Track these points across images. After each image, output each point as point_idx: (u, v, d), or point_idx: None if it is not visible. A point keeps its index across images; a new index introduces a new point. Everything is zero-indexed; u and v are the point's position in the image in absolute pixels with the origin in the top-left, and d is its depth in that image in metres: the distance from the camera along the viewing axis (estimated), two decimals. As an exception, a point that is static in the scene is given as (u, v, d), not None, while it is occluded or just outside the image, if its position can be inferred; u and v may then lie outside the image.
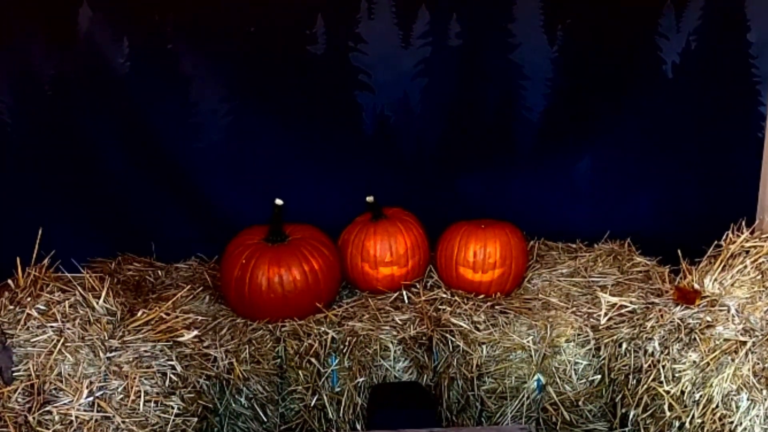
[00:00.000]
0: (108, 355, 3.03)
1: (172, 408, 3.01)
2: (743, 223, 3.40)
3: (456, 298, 3.76)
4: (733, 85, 4.07)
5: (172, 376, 3.13)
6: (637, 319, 3.43)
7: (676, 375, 3.03)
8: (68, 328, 3.03)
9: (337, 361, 3.51)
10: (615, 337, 3.45)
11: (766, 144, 3.45)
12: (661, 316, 3.29)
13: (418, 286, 3.86)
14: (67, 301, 3.16)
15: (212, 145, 4.18)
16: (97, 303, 3.22)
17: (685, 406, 2.95)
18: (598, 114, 4.23)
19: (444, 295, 3.79)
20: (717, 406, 2.83)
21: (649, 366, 3.18)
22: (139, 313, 3.33)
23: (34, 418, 2.72)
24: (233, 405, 3.50)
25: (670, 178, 4.25)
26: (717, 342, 3.01)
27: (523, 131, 4.27)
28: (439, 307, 3.71)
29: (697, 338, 3.07)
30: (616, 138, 4.24)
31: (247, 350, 3.50)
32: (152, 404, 2.96)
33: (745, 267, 3.26)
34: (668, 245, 3.69)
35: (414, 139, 4.27)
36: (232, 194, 4.25)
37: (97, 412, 2.79)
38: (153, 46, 3.98)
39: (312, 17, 4.04)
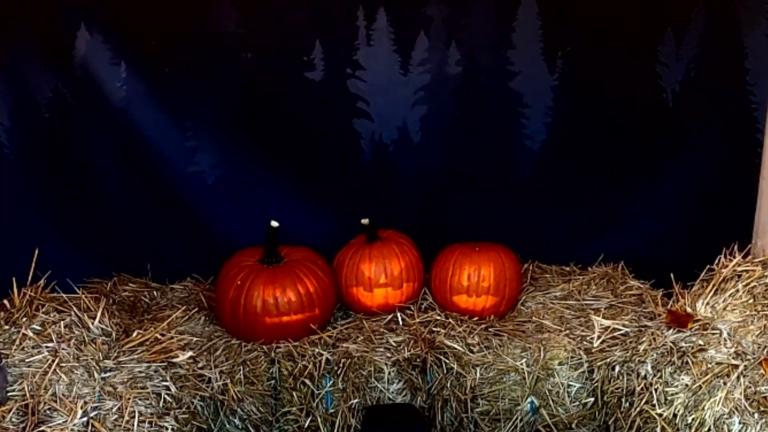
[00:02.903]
0: (103, 375, 3.03)
1: (166, 429, 3.00)
2: (735, 248, 3.42)
3: (450, 320, 3.77)
4: (730, 112, 4.08)
5: (166, 396, 3.13)
6: (630, 342, 3.44)
7: (669, 398, 3.04)
8: (63, 349, 3.04)
9: (331, 382, 3.51)
10: (608, 360, 3.45)
11: (762, 170, 3.47)
12: (654, 339, 3.30)
13: (412, 308, 3.87)
14: (62, 322, 3.17)
15: (208, 168, 4.19)
16: (93, 323, 3.24)
17: (678, 429, 2.95)
18: (598, 142, 4.23)
19: (438, 318, 3.80)
20: (709, 430, 2.83)
21: (642, 389, 3.19)
22: (134, 334, 3.34)
23: (28, 438, 2.72)
24: (227, 426, 3.49)
25: (666, 202, 4.26)
26: (709, 365, 3.02)
27: (523, 160, 4.28)
28: (434, 329, 3.72)
29: (690, 361, 3.07)
30: (615, 164, 4.25)
31: (241, 371, 3.50)
32: (146, 425, 2.94)
33: (737, 291, 3.28)
34: (661, 269, 3.71)
35: (413, 167, 4.28)
36: (228, 216, 4.25)
37: (91, 432, 2.80)
38: (150, 70, 4.00)
39: (310, 43, 4.05)
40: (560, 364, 3.54)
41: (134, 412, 2.93)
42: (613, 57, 4.10)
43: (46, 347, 3.04)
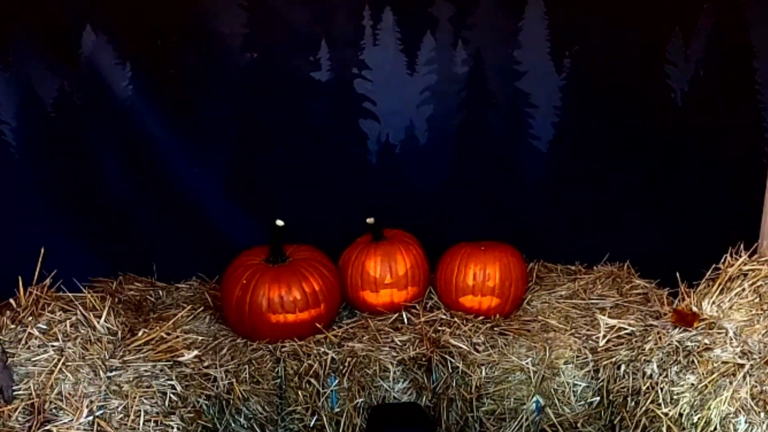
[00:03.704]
0: (108, 374, 3.04)
1: (172, 428, 3.01)
2: (741, 247, 3.41)
3: (455, 319, 3.77)
4: (738, 111, 4.06)
5: (172, 395, 3.14)
6: (636, 342, 3.43)
7: (675, 397, 3.03)
8: (69, 348, 3.05)
9: (336, 381, 3.52)
10: (614, 359, 3.45)
11: (769, 169, 3.48)
12: (660, 338, 3.30)
13: (417, 308, 3.87)
14: (68, 321, 3.18)
15: (214, 167, 4.19)
16: (98, 322, 3.24)
17: (684, 429, 2.94)
18: (606, 142, 4.22)
19: (443, 317, 3.81)
20: (715, 429, 2.83)
21: (648, 388, 3.18)
22: (140, 333, 3.35)
23: (34, 437, 2.73)
24: (233, 425, 3.49)
25: (673, 201, 4.25)
26: (715, 364, 3.01)
27: (530, 160, 4.27)
28: (439, 328, 3.72)
29: (696, 361, 3.07)
30: (624, 164, 4.24)
31: (247, 370, 3.51)
32: (152, 424, 2.96)
33: (744, 290, 3.27)
34: (667, 268, 3.70)
35: (419, 167, 4.26)
36: (234, 216, 4.25)
37: (97, 431, 2.80)
38: (155, 70, 4.00)
39: (316, 43, 4.04)
40: (566, 363, 3.54)
41: (140, 411, 2.95)
42: (620, 56, 4.08)
43: (52, 346, 3.05)
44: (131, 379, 3.07)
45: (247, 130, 4.17)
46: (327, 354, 3.54)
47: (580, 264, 4.30)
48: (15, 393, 2.84)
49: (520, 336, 3.65)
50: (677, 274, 3.52)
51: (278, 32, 4.02)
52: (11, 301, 3.26)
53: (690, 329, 3.23)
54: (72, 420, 2.78)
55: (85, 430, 2.78)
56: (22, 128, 3.96)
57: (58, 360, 2.97)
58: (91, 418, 2.81)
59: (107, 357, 3.12)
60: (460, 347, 3.57)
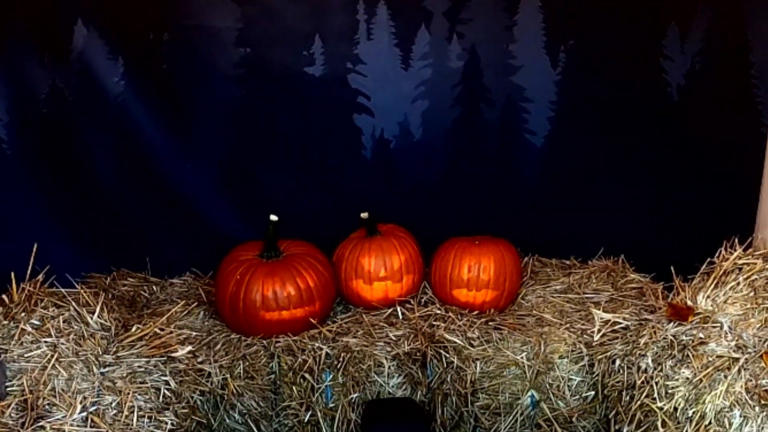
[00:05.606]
0: (102, 370, 3.04)
1: (166, 423, 3.01)
2: (736, 240, 3.41)
3: (450, 314, 3.77)
4: (735, 106, 4.05)
5: (165, 391, 3.13)
6: (631, 336, 3.43)
7: (669, 391, 3.03)
8: (62, 344, 3.05)
9: (331, 376, 3.51)
10: (608, 354, 3.45)
11: (765, 163, 3.46)
12: (655, 332, 3.29)
13: (412, 302, 3.87)
14: (61, 317, 3.17)
15: (207, 162, 4.19)
16: (92, 318, 3.24)
17: (679, 423, 2.94)
18: (601, 137, 4.21)
19: (438, 311, 3.80)
20: (710, 423, 2.83)
21: (643, 382, 3.18)
22: (134, 329, 3.34)
23: (27, 433, 2.72)
24: (227, 420, 3.49)
25: (669, 195, 4.25)
26: (710, 358, 3.01)
27: (525, 155, 4.26)
28: (433, 323, 3.72)
29: (690, 355, 3.07)
30: (619, 158, 4.24)
31: (241, 366, 3.50)
32: (146, 420, 2.95)
33: (738, 284, 3.26)
34: (662, 262, 3.70)
35: (414, 162, 4.26)
36: (227, 211, 4.25)
37: (91, 427, 2.78)
38: (148, 65, 3.99)
39: (309, 38, 4.04)
40: (561, 357, 3.53)
41: (133, 406, 2.94)
42: (616, 50, 4.07)
43: (45, 342, 3.04)
44: (125, 374, 3.07)
45: (241, 126, 4.16)
46: (321, 349, 3.54)
47: (574, 258, 4.30)
48: (8, 389, 2.84)
49: (515, 330, 3.64)
50: (672, 268, 3.52)
51: (272, 27, 4.01)
52: (4, 297, 3.26)
53: (685, 323, 3.23)
54: (65, 416, 2.77)
55: (78, 426, 2.77)
56: (14, 124, 3.95)
57: (52, 356, 2.97)
58: (84, 414, 2.81)
59: (101, 353, 3.11)
60: (455, 342, 3.57)
